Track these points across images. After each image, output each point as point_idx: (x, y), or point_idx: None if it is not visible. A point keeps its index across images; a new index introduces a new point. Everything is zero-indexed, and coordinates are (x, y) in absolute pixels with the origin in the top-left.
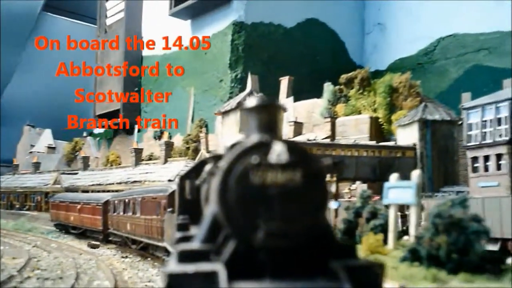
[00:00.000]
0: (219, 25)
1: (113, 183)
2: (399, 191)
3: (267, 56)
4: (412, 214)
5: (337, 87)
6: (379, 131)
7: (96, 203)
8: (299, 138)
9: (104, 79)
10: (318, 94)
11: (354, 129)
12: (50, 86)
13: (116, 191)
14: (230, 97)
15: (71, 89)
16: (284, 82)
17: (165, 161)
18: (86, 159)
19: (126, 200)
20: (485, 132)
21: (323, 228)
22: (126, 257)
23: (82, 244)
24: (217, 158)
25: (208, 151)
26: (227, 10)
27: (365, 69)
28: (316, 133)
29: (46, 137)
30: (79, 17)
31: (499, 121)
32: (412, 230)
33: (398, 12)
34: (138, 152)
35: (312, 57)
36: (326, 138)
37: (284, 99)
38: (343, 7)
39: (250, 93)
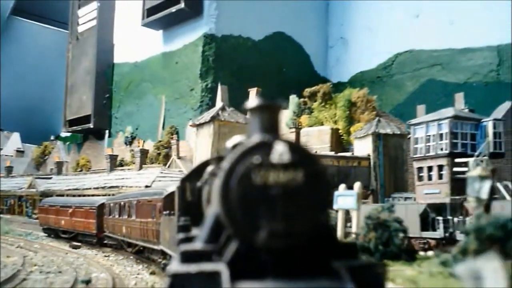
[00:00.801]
0: (190, 36)
1: (90, 188)
2: (345, 198)
3: (237, 67)
4: (354, 216)
5: (302, 99)
6: (339, 141)
7: (90, 207)
8: None
9: (75, 85)
10: (284, 102)
11: (317, 139)
12: (18, 90)
13: (93, 195)
14: (201, 106)
15: (39, 93)
16: (253, 93)
17: (140, 168)
18: (60, 164)
19: (122, 203)
20: (429, 146)
21: (325, 228)
22: (109, 256)
23: (62, 245)
24: (219, 159)
25: (179, 157)
26: (198, 23)
27: (327, 84)
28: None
29: (15, 140)
30: (48, 22)
31: (440, 136)
32: (354, 229)
33: (359, 28)
34: (113, 158)
35: (279, 69)
36: None
37: None
38: (308, 22)
39: (223, 108)
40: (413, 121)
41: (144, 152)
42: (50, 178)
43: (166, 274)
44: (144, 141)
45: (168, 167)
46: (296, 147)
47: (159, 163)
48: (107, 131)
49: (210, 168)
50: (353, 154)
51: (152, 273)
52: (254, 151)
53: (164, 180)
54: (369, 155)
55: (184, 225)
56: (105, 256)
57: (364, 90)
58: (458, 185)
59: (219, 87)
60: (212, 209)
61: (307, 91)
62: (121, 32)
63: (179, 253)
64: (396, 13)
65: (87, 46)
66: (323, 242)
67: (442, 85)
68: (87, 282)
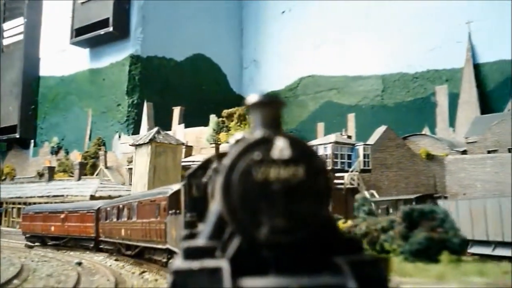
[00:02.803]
0: (117, 56)
1: (33, 197)
2: None
3: (161, 86)
4: None
5: (220, 119)
6: None
7: (87, 210)
8: (190, 159)
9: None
10: (204, 118)
11: None
12: None
13: (34, 203)
14: (127, 120)
15: None
16: (177, 110)
17: (79, 178)
18: None
19: (120, 206)
20: None
21: (328, 222)
22: (67, 251)
23: (17, 245)
24: (221, 155)
25: (106, 167)
26: (125, 44)
27: (242, 107)
28: (203, 155)
29: None
30: None
31: (326, 157)
32: None
33: (270, 53)
34: (51, 169)
35: (199, 87)
36: None
37: (176, 125)
38: (225, 45)
39: (158, 132)
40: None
41: (82, 165)
42: None
43: (169, 271)
44: (81, 154)
45: (96, 176)
46: (297, 143)
47: (85, 174)
48: (32, 141)
49: (214, 165)
50: None
51: (116, 260)
52: (255, 147)
53: (105, 190)
54: None
55: (191, 221)
56: (64, 252)
57: None
58: (337, 194)
59: (145, 103)
60: (215, 205)
61: (225, 112)
62: (48, 47)
63: (181, 250)
64: (301, 42)
65: (13, 59)
66: (325, 237)
67: (337, 106)
68: (79, 263)
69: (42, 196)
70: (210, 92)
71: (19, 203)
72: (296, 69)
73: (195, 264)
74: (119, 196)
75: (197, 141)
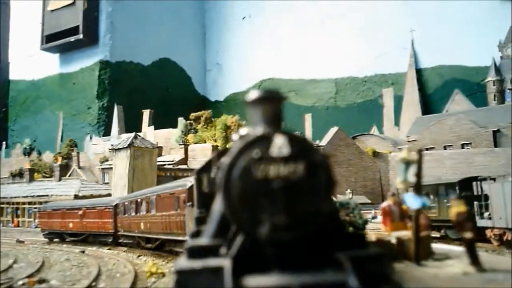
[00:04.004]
0: (87, 61)
1: (18, 197)
2: None
3: (129, 89)
4: None
5: (188, 121)
6: None
7: (106, 206)
8: (160, 159)
9: None
10: (171, 118)
11: (201, 154)
12: None
13: (18, 203)
14: (98, 122)
15: None
16: (146, 113)
17: (60, 179)
18: None
19: (139, 200)
20: None
21: (330, 217)
22: (58, 244)
23: (7, 241)
24: (222, 153)
25: (79, 167)
26: (94, 50)
27: (208, 111)
28: (173, 155)
29: None
30: None
31: None
32: None
33: (232, 57)
34: (31, 171)
35: (166, 89)
36: (181, 159)
37: (146, 127)
38: (189, 49)
39: (135, 137)
40: None
41: (62, 167)
42: None
43: (173, 270)
44: (59, 156)
45: (70, 175)
46: (296, 139)
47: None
48: (4, 143)
49: (218, 161)
50: None
51: (109, 249)
52: (254, 145)
53: (87, 190)
54: None
55: (201, 217)
56: (57, 244)
57: (236, 117)
58: None
59: (115, 106)
60: (218, 203)
61: (193, 115)
62: (17, 52)
63: (185, 249)
64: (261, 47)
65: None
66: (328, 232)
67: (295, 107)
68: (83, 252)
69: (26, 196)
70: (176, 94)
71: (2, 203)
72: (257, 72)
73: (197, 264)
74: (99, 195)
75: (166, 142)
